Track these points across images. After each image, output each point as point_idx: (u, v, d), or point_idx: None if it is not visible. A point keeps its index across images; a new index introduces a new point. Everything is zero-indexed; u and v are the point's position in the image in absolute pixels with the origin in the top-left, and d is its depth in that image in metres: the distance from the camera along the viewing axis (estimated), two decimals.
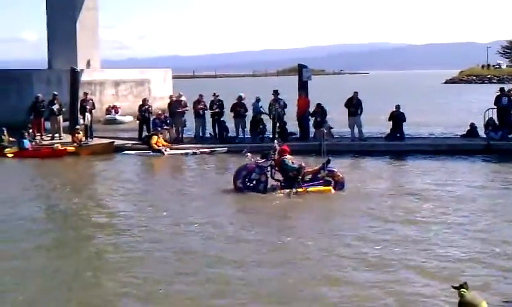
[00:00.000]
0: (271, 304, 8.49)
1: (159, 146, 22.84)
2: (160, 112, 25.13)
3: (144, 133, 24.60)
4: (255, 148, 18.42)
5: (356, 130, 23.74)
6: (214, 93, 25.29)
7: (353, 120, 23.68)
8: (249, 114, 24.65)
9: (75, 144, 23.45)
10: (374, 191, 15.76)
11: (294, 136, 24.39)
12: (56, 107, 25.49)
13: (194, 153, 22.46)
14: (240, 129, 24.62)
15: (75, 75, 26.90)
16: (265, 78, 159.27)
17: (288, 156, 15.70)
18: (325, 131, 20.98)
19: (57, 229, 12.82)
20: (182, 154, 22.58)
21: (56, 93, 26.39)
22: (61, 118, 25.79)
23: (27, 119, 25.73)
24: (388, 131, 23.96)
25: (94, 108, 26.07)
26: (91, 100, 26.25)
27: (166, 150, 22.75)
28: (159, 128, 23.76)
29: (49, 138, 25.52)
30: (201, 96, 25.20)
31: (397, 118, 23.59)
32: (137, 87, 37.14)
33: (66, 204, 14.85)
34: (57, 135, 25.61)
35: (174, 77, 41.76)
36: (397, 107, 23.77)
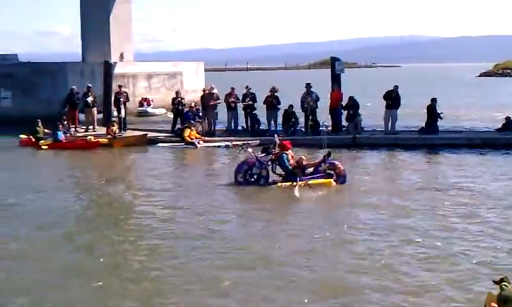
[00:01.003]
0: None
1: (192, 139, 22.92)
2: (192, 104, 25.20)
3: (177, 126, 24.71)
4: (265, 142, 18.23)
5: (389, 123, 23.50)
6: (247, 86, 25.28)
7: (390, 113, 23.40)
8: (282, 106, 24.57)
9: (109, 136, 23.64)
10: (410, 184, 15.65)
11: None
12: (90, 99, 25.74)
13: (227, 146, 22.47)
14: (272, 122, 24.58)
15: (108, 67, 27.12)
16: (297, 71, 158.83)
17: (289, 151, 15.66)
18: (325, 126, 20.88)
19: (93, 221, 12.89)
20: (214, 147, 22.60)
21: (90, 85, 26.65)
22: (95, 110, 26.05)
23: (61, 111, 26.04)
24: (422, 124, 23.68)
25: (128, 100, 26.24)
26: (125, 92, 26.42)
27: (199, 143, 22.83)
28: (192, 121, 23.83)
29: (83, 130, 25.80)
30: (233, 89, 25.21)
31: (432, 111, 23.30)
32: (170, 80, 37.31)
33: (102, 195, 15.00)
34: (91, 127, 25.87)
35: (206, 70, 41.88)
36: (433, 100, 23.48)
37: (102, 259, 10.07)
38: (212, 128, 24.80)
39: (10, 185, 16.23)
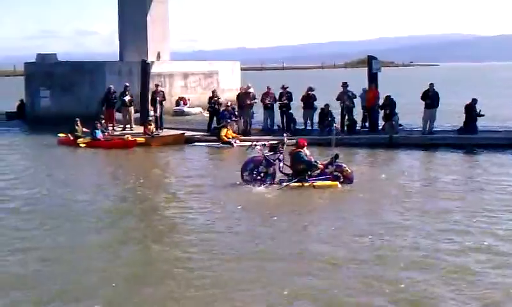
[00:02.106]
0: None
1: (228, 138, 22.94)
2: (229, 103, 25.23)
3: (214, 125, 24.77)
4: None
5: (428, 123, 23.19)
6: (283, 85, 25.23)
7: (429, 113, 23.05)
8: (318, 104, 24.46)
9: (146, 135, 23.80)
10: (448, 183, 15.47)
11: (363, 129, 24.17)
12: (127, 98, 25.92)
13: (264, 145, 22.39)
14: (308, 121, 24.51)
15: (145, 67, 27.31)
16: (334, 70, 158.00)
17: (303, 149, 15.51)
18: (335, 126, 20.74)
19: (133, 221, 12.94)
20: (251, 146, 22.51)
21: (127, 84, 26.83)
22: (132, 109, 26.21)
23: (99, 110, 26.30)
24: (460, 124, 23.33)
25: (164, 99, 26.35)
26: (162, 91, 26.55)
27: (235, 142, 22.82)
28: (229, 120, 23.87)
29: (121, 129, 26.02)
30: (269, 88, 25.17)
31: (471, 110, 22.95)
32: (206, 79, 37.43)
33: (142, 194, 15.05)
34: (128, 126, 26.06)
35: (242, 69, 41.90)
36: (473, 100, 23.10)
37: (151, 264, 10.04)
38: (248, 127, 24.79)
39: (51, 183, 16.43)
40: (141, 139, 23.44)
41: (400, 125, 24.18)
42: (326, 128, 23.61)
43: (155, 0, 35.80)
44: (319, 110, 24.26)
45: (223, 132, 23.14)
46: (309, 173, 15.17)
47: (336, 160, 15.51)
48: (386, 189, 15.14)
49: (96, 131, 23.57)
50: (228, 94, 32.77)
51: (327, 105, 23.99)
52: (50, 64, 33.40)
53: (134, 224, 12.44)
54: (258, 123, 25.71)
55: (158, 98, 25.54)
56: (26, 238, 11.23)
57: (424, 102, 23.11)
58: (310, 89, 24.72)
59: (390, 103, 23.59)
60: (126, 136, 23.78)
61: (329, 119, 23.85)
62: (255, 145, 16.28)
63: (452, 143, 21.75)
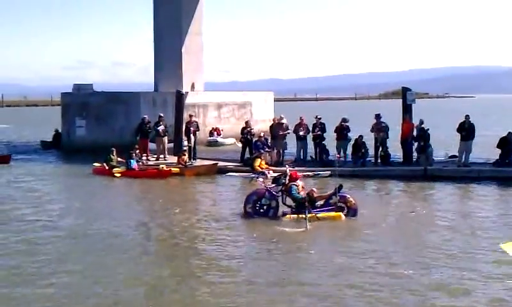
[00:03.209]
0: None
1: (262, 169, 22.88)
2: (262, 134, 25.22)
3: (246, 156, 24.78)
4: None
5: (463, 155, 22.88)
6: (316, 116, 25.15)
7: (465, 145, 22.77)
8: (351, 135, 24.35)
9: (180, 165, 23.89)
10: (485, 219, 15.18)
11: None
12: (161, 128, 26.09)
13: (266, 177, 22.28)
14: (342, 152, 24.33)
15: (180, 97, 27.54)
16: (368, 101, 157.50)
17: (298, 182, 15.37)
18: (337, 156, 20.55)
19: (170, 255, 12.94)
20: None
21: (161, 114, 27.05)
22: (166, 139, 26.36)
23: (133, 139, 26.52)
24: (496, 157, 22.96)
25: (198, 130, 26.49)
26: (196, 122, 26.71)
27: (269, 172, 22.72)
28: (262, 151, 23.85)
29: (154, 159, 26.17)
30: (302, 119, 25.11)
31: (507, 143, 22.60)
32: (239, 109, 37.60)
33: (179, 225, 15.00)
34: (162, 156, 26.20)
35: (275, 100, 42.00)
36: (510, 133, 22.73)
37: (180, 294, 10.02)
38: (281, 158, 24.72)
39: (87, 213, 16.51)
40: (175, 169, 23.52)
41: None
42: (360, 159, 23.51)
43: (190, 32, 36.23)
44: (353, 142, 24.13)
45: (257, 162, 23.10)
46: (308, 204, 14.89)
47: (341, 191, 15.33)
48: (416, 223, 14.92)
49: (132, 161, 23.72)
50: (261, 125, 32.83)
51: (361, 137, 23.87)
52: (86, 94, 33.89)
53: (170, 256, 12.39)
54: (291, 154, 25.63)
55: (192, 129, 25.68)
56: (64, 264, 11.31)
57: (459, 134, 22.85)
58: (344, 120, 24.62)
59: (424, 135, 23.35)
60: (161, 166, 23.90)
61: (363, 150, 23.72)
62: (258, 178, 16.11)
63: (487, 176, 21.40)
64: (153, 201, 18.53)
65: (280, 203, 15.39)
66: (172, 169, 23.54)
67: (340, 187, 15.39)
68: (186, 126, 26.01)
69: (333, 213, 15.00)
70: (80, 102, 33.43)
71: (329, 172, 22.27)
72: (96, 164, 24.31)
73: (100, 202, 18.31)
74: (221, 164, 24.64)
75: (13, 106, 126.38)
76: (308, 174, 22.22)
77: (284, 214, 15.17)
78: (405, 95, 24.54)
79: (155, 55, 36.99)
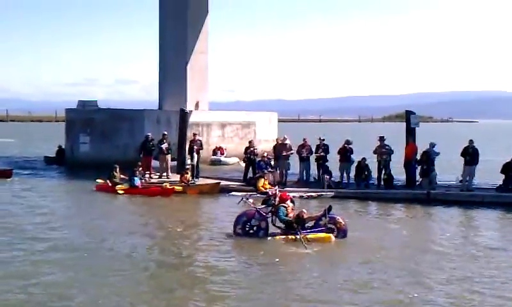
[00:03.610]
0: None
1: (265, 189, 22.86)
2: (265, 154, 25.20)
3: (249, 175, 24.78)
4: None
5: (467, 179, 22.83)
6: (319, 137, 25.20)
7: (468, 170, 22.72)
8: (354, 157, 24.35)
9: (183, 183, 23.89)
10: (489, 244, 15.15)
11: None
12: (164, 146, 26.14)
13: (301, 197, 22.31)
14: (345, 174, 24.32)
15: (184, 116, 27.62)
16: (371, 123, 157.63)
17: (288, 203, 15.33)
18: (327, 177, 20.43)
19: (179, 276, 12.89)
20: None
21: (165, 132, 27.12)
22: (169, 157, 26.40)
23: (137, 156, 26.55)
24: (499, 182, 22.92)
25: (202, 148, 26.56)
26: (200, 140, 26.80)
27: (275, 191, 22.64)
28: (265, 171, 23.85)
29: (157, 176, 26.17)
30: (305, 140, 25.13)
31: (511, 169, 22.56)
32: (243, 129, 37.65)
33: (182, 243, 15.00)
34: (165, 174, 26.22)
35: (279, 121, 42.04)
36: None
37: None
38: (284, 178, 24.72)
39: (92, 230, 16.47)
40: (178, 187, 23.51)
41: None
42: (363, 181, 23.49)
43: (196, 51, 36.37)
44: (356, 164, 24.14)
45: (260, 182, 23.09)
46: (298, 226, 14.83)
47: (330, 212, 15.32)
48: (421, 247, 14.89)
49: (135, 178, 23.72)
50: (265, 145, 32.86)
51: (364, 159, 23.88)
52: (90, 111, 34.02)
53: (173, 276, 12.36)
54: (294, 174, 25.63)
55: (195, 147, 25.74)
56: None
57: (463, 159, 22.84)
58: (347, 142, 24.65)
59: (427, 158, 23.33)
60: (164, 184, 23.90)
61: (366, 172, 23.72)
62: (247, 198, 16.02)
63: (491, 201, 21.37)
64: (156, 219, 18.45)
65: (270, 224, 15.31)
66: (175, 187, 23.54)
67: (330, 208, 15.41)
68: (190, 144, 26.07)
69: (323, 235, 14.96)
70: (85, 118, 33.56)
71: (333, 193, 22.31)
72: (99, 181, 24.31)
73: (102, 220, 18.23)
74: (223, 183, 24.65)
75: (17, 121, 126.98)
76: (312, 195, 22.25)
77: (273, 235, 15.08)
78: (409, 118, 24.57)
79: (159, 73, 37.12)
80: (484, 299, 10.73)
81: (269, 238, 15.02)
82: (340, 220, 15.40)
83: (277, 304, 10.37)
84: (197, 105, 36.17)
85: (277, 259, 13.24)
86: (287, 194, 16.15)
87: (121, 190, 23.32)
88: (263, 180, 23.24)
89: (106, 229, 16.52)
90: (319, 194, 22.33)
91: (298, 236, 14.54)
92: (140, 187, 23.76)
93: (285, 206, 15.25)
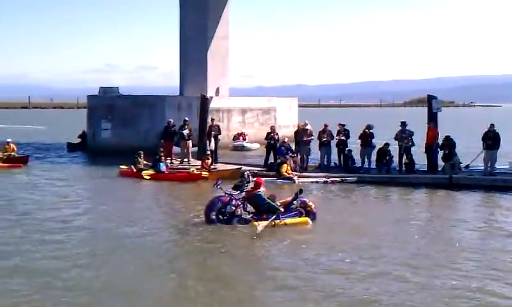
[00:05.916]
0: None
1: (288, 174, 22.85)
2: (286, 139, 25.12)
3: (270, 161, 24.78)
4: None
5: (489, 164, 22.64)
6: (340, 123, 25.11)
7: (489, 154, 22.50)
8: (375, 142, 24.25)
9: (204, 168, 23.96)
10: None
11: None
12: (186, 132, 26.20)
13: (325, 182, 22.28)
14: (366, 159, 24.24)
15: (204, 102, 27.66)
16: (392, 108, 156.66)
17: (262, 188, 15.13)
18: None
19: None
20: (311, 182, 22.38)
21: (186, 118, 27.18)
22: (190, 142, 26.47)
23: (158, 142, 26.68)
24: None
25: (220, 134, 26.63)
26: (217, 126, 26.86)
27: (295, 178, 22.66)
28: (286, 156, 23.83)
29: (178, 162, 26.28)
30: (326, 125, 25.05)
31: None
32: (264, 115, 37.67)
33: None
34: (186, 159, 26.34)
35: (299, 106, 41.97)
36: None
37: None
38: (305, 164, 24.69)
39: (128, 215, 16.34)
40: (205, 173, 23.47)
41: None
42: (384, 166, 23.39)
43: (217, 36, 36.39)
44: (377, 149, 24.04)
45: (284, 168, 23.06)
46: (280, 210, 14.78)
47: (300, 195, 15.31)
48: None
49: (161, 164, 23.82)
50: (285, 131, 32.79)
51: (387, 144, 23.72)
52: (111, 98, 34.23)
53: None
54: (315, 159, 25.59)
55: (213, 132, 25.82)
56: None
57: (485, 143, 22.65)
58: (369, 127, 24.51)
59: (449, 143, 23.16)
60: (191, 169, 23.97)
61: (388, 158, 23.61)
62: (218, 184, 15.52)
63: None
64: (184, 205, 18.28)
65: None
66: (202, 172, 23.58)
67: (300, 191, 15.47)
68: (208, 129, 26.16)
69: (300, 219, 14.98)
70: (107, 104, 33.79)
71: (356, 178, 22.28)
72: (123, 167, 24.45)
73: (133, 204, 18.23)
74: (244, 168, 24.64)
75: (39, 108, 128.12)
76: (336, 180, 22.26)
77: (246, 221, 14.69)
78: (430, 103, 24.40)
79: (180, 59, 37.22)
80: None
81: (254, 224, 14.35)
82: (310, 203, 15.42)
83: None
84: (217, 91, 36.24)
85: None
86: (261, 178, 15.85)
87: (148, 175, 23.39)
88: (286, 165, 23.22)
89: (143, 217, 16.12)
90: (342, 179, 22.33)
91: (278, 221, 14.47)
92: (166, 172, 23.87)
93: (260, 193, 15.02)
